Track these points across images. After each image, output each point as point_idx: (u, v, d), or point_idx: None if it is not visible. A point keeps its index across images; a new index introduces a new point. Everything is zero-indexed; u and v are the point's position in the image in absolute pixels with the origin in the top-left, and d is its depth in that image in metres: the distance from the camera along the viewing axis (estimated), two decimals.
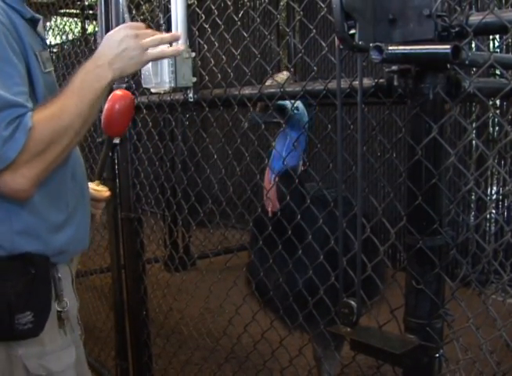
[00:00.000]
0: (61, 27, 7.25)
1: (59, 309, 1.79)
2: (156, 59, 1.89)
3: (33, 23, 1.79)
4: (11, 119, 1.52)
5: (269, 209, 2.60)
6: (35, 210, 1.73)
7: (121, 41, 1.70)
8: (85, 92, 1.65)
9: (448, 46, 1.38)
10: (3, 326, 1.63)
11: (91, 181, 2.28)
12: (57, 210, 1.81)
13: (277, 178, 2.47)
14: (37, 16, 1.83)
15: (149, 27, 2.01)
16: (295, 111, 2.53)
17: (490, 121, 5.02)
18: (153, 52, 1.78)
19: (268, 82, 2.41)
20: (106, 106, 2.23)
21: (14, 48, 1.62)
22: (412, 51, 1.45)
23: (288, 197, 2.33)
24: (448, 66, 1.54)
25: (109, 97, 2.26)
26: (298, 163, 2.69)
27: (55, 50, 7.14)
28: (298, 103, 2.46)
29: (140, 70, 2.38)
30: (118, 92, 2.33)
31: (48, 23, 5.46)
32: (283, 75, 2.40)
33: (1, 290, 1.62)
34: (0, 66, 1.56)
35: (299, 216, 2.22)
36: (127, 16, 2.57)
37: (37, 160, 1.58)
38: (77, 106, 1.63)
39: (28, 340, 1.69)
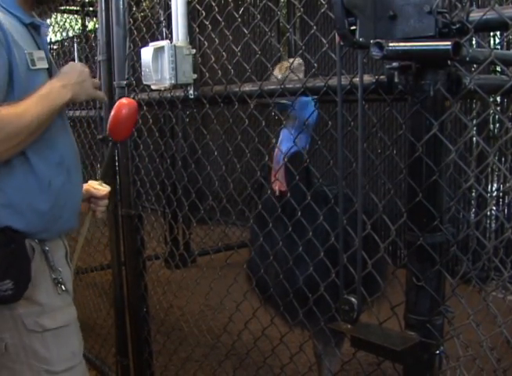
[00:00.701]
0: (61, 23, 7.24)
1: (54, 277, 2.06)
2: (96, 97, 2.22)
3: (33, 27, 2.04)
4: None
5: (277, 189, 2.66)
6: (19, 187, 1.95)
7: (81, 73, 2.05)
8: (48, 103, 1.92)
9: (448, 43, 1.38)
10: None
11: (93, 178, 2.47)
12: (40, 189, 2.00)
13: (286, 159, 2.47)
14: (39, 21, 2.10)
15: (149, 23, 2.18)
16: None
17: (491, 117, 5.02)
18: (96, 91, 2.17)
19: (276, 70, 2.44)
20: (113, 112, 2.40)
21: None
22: (413, 47, 1.45)
23: (297, 178, 2.37)
24: (449, 62, 1.54)
25: (116, 104, 2.42)
26: (306, 145, 2.72)
27: (55, 47, 7.14)
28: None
29: (141, 67, 2.45)
30: (124, 100, 2.45)
31: (48, 20, 5.46)
32: (296, 61, 2.42)
33: None
34: None
35: (308, 197, 2.22)
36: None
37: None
38: (38, 112, 1.88)
39: (27, 302, 1.96)
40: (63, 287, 2.09)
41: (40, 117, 1.88)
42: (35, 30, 2.06)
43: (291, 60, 2.42)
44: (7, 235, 1.93)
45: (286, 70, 2.38)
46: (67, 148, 2.13)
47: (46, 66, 2.04)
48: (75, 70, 2.05)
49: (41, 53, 2.02)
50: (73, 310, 2.17)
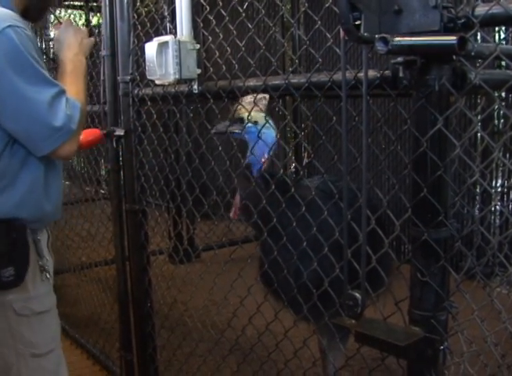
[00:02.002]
0: (65, 19, 7.24)
1: (41, 264, 2.19)
2: (91, 45, 2.42)
3: None
4: (66, 100, 2.03)
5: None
6: (31, 186, 2.12)
7: (76, 34, 2.31)
8: (82, 75, 2.24)
9: (454, 37, 1.37)
10: None
11: (98, 172, 2.67)
12: (46, 192, 2.18)
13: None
14: None
15: (153, 18, 2.35)
16: (252, 126, 2.75)
17: (495, 113, 5.00)
18: (90, 40, 2.39)
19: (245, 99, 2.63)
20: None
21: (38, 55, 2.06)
22: (418, 42, 1.44)
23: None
24: (454, 57, 1.53)
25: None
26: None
27: None
28: (262, 122, 2.67)
29: (145, 62, 2.48)
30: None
31: (52, 16, 5.46)
32: (260, 95, 2.54)
33: None
34: (39, 68, 2.01)
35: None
36: None
37: (80, 129, 2.13)
38: (83, 87, 2.22)
39: (17, 288, 2.08)
40: (47, 274, 2.20)
41: (84, 90, 2.23)
42: None
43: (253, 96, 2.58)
44: (10, 225, 2.06)
45: (250, 104, 2.59)
46: None
47: None
48: (71, 34, 2.29)
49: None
50: (53, 297, 2.28)
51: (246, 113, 2.64)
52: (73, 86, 2.14)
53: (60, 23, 2.40)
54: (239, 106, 2.67)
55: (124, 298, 3.55)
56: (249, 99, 2.64)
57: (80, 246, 5.03)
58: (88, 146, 3.14)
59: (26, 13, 2.19)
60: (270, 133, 2.72)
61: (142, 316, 3.34)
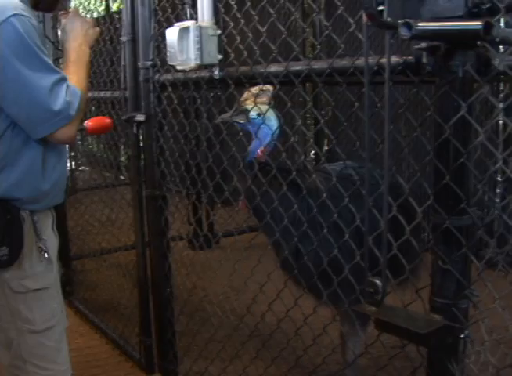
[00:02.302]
0: (86, 5, 7.26)
1: (39, 245, 2.23)
2: (97, 35, 2.44)
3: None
4: (67, 87, 2.09)
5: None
6: (29, 166, 2.18)
7: (82, 24, 2.35)
8: (84, 64, 2.29)
9: (479, 22, 1.35)
10: None
11: (118, 158, 2.66)
12: (43, 172, 2.23)
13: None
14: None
15: (174, 3, 2.37)
16: (255, 118, 2.84)
17: None
18: (96, 30, 2.41)
19: (245, 94, 2.76)
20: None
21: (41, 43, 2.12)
22: (443, 27, 1.42)
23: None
24: (479, 43, 1.51)
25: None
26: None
27: None
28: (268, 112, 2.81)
29: (166, 47, 2.48)
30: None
31: (72, 3, 5.48)
32: (265, 87, 2.67)
33: None
34: (42, 56, 2.07)
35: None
36: None
37: (80, 116, 2.18)
38: (84, 76, 2.27)
39: (12, 267, 2.16)
40: (45, 254, 2.26)
41: (86, 79, 2.27)
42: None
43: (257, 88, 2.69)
44: (4, 206, 2.15)
45: (253, 96, 2.72)
46: None
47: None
48: (77, 24, 2.35)
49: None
50: (52, 276, 2.32)
51: (251, 105, 2.75)
52: (76, 75, 2.21)
53: (67, 12, 2.44)
54: (245, 97, 2.75)
55: (143, 283, 3.57)
56: (253, 90, 2.71)
57: (99, 231, 5.05)
58: (97, 132, 3.28)
59: (36, 4, 2.30)
60: (272, 125, 2.79)
61: (161, 301, 3.35)
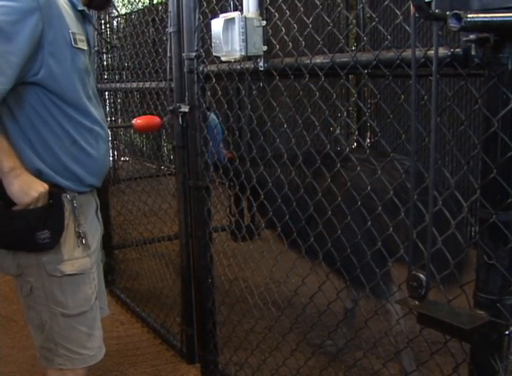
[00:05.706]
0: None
1: (77, 231, 2.29)
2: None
3: (83, 15, 2.33)
4: None
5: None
6: (50, 148, 2.21)
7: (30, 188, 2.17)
8: None
9: None
10: (28, 240, 2.18)
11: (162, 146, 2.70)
12: (63, 146, 2.24)
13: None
14: (88, 12, 2.40)
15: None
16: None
17: None
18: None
19: None
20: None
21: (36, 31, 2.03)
22: (493, 19, 1.40)
23: None
24: None
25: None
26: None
27: (122, 21, 7.25)
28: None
29: (210, 38, 2.50)
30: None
31: None
32: None
33: (24, 214, 2.15)
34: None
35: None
36: None
37: None
38: None
39: (51, 250, 2.22)
40: (83, 240, 2.31)
41: None
42: (84, 17, 2.34)
43: None
44: (49, 191, 2.19)
45: None
46: (98, 120, 2.35)
47: (85, 47, 2.27)
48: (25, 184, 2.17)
49: (83, 37, 2.26)
50: (88, 261, 2.36)
51: None
52: None
53: None
54: None
55: (186, 273, 3.59)
56: None
57: (142, 221, 5.10)
58: (145, 131, 3.42)
59: (90, 1, 2.37)
60: (216, 124, 3.15)
61: (203, 291, 3.38)
